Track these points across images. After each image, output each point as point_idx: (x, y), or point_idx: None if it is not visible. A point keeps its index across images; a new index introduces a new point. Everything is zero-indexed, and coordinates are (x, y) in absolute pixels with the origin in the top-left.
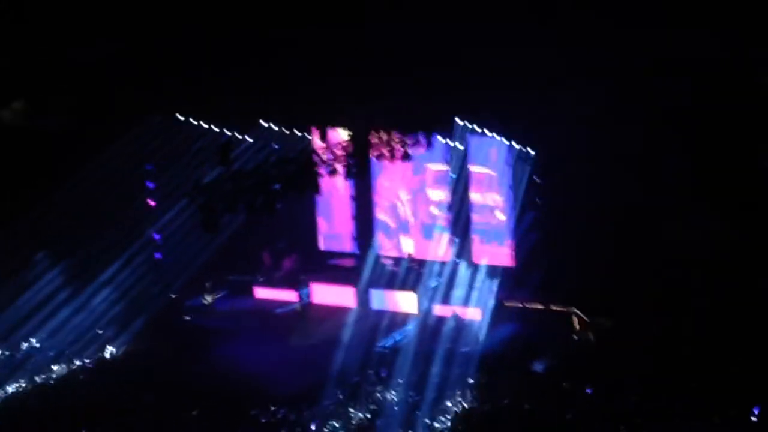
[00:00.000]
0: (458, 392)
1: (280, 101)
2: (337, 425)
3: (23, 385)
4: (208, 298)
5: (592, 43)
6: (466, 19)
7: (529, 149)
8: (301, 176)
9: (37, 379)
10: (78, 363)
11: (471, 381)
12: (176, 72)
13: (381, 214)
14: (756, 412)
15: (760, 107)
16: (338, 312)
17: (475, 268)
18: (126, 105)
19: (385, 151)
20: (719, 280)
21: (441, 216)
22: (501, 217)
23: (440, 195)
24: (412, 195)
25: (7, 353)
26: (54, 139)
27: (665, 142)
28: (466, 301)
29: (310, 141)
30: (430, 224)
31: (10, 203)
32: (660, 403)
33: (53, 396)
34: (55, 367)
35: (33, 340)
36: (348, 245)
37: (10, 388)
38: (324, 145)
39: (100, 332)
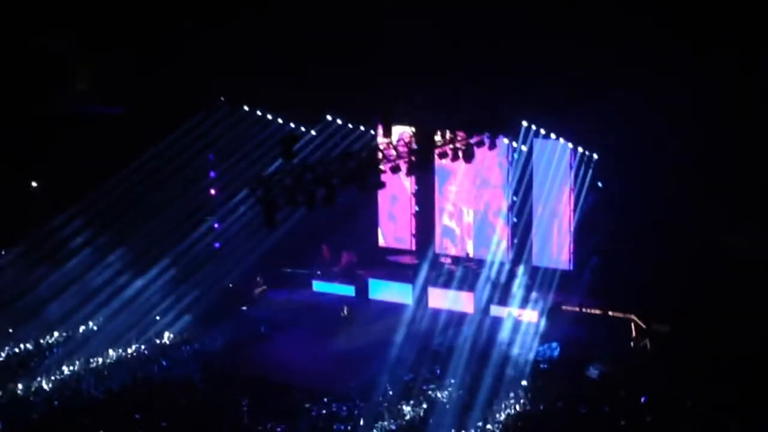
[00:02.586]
0: (511, 394)
1: (346, 96)
2: (388, 422)
3: (79, 366)
4: (257, 291)
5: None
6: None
7: (592, 153)
8: (363, 172)
9: (92, 361)
10: (134, 347)
11: (524, 383)
12: (247, 62)
13: (446, 219)
14: None
15: None
16: (395, 309)
17: (534, 270)
18: (194, 91)
19: (448, 150)
20: None
21: (502, 218)
22: (561, 219)
23: (502, 198)
24: (475, 197)
25: (64, 335)
26: (118, 123)
27: (734, 151)
28: (523, 303)
29: (373, 137)
30: (490, 227)
31: (72, 187)
32: (715, 412)
33: (108, 379)
34: (111, 351)
35: (91, 323)
36: (408, 243)
37: (67, 370)
38: (387, 141)
39: (158, 318)
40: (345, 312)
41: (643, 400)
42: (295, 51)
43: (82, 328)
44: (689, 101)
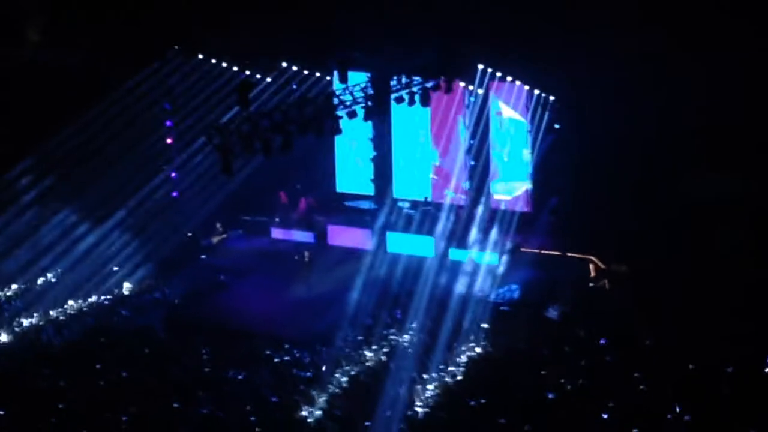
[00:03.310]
0: (472, 336)
1: (300, 41)
2: (350, 367)
3: (38, 318)
4: (216, 239)
5: None
6: None
7: (549, 95)
8: (320, 118)
9: (52, 313)
10: (93, 298)
11: (485, 325)
12: (197, 9)
13: (402, 158)
14: None
15: None
16: (354, 254)
17: (492, 212)
18: (146, 40)
19: (404, 94)
20: (738, 230)
21: (459, 161)
22: (519, 162)
23: (460, 140)
24: (433, 141)
25: (23, 287)
26: (71, 74)
27: (687, 92)
28: (482, 246)
29: (330, 83)
30: (449, 170)
31: (26, 138)
32: (672, 351)
33: (67, 330)
34: (70, 302)
35: (49, 275)
36: (366, 188)
37: (26, 322)
38: (344, 86)
39: (116, 268)
40: (305, 257)
41: (602, 341)
42: None
43: (40, 280)
44: (649, 42)
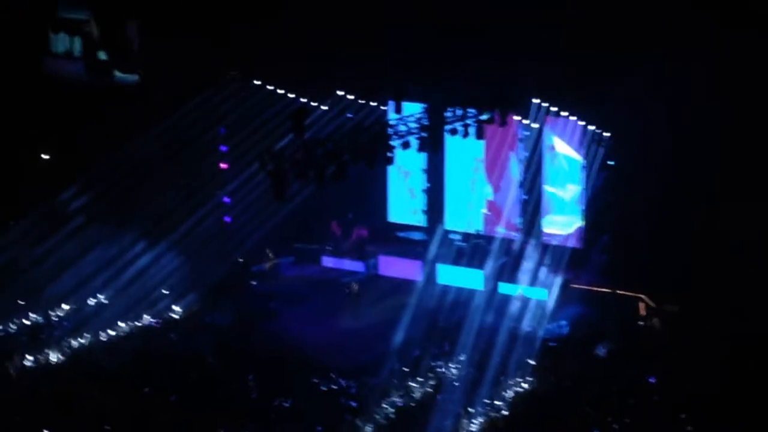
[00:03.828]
0: (519, 372)
1: (356, 71)
2: (397, 398)
3: (89, 339)
4: (267, 265)
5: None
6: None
7: (603, 132)
8: (373, 147)
9: (102, 334)
10: (143, 321)
11: (533, 361)
12: (255, 36)
13: (454, 190)
14: None
15: None
16: (404, 285)
17: (543, 247)
18: (203, 63)
19: (459, 126)
20: None
21: (513, 194)
22: (572, 198)
23: (513, 174)
24: (486, 172)
25: (74, 308)
26: (125, 95)
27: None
28: (532, 281)
29: (384, 112)
30: (501, 202)
31: (79, 160)
32: (723, 394)
33: (118, 352)
34: (121, 324)
35: (101, 297)
36: (418, 219)
37: (76, 343)
38: (398, 117)
39: (167, 292)
40: (354, 288)
41: (651, 380)
42: (307, 25)
43: (91, 302)
44: (705, 79)
